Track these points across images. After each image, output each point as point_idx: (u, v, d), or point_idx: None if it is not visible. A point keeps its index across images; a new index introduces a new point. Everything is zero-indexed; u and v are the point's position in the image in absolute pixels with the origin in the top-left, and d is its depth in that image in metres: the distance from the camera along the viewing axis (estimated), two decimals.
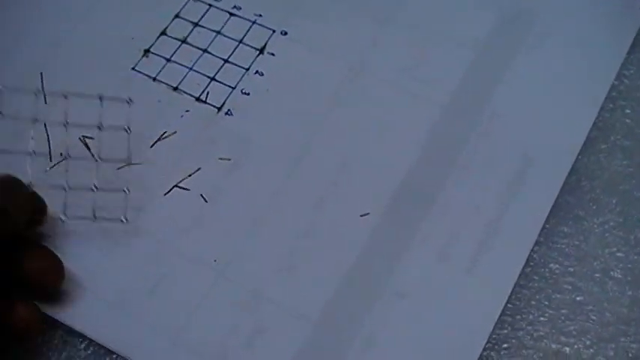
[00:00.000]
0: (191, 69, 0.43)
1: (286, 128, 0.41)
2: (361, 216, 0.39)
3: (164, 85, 0.43)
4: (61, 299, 0.37)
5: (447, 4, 0.45)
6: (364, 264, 0.38)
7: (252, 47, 0.44)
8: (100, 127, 0.39)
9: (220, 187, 0.40)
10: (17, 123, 0.41)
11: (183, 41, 0.44)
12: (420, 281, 0.37)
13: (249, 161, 0.41)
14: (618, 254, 0.38)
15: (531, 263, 0.38)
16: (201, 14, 0.45)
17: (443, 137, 0.41)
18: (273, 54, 0.44)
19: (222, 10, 0.45)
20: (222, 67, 0.43)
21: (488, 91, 0.42)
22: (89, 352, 0.37)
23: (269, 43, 0.44)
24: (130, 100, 0.39)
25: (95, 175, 0.40)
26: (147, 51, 0.44)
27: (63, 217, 0.38)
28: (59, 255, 0.37)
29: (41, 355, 0.37)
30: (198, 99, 0.43)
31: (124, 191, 0.39)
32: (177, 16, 0.45)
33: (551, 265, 0.38)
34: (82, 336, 0.37)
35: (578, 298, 0.37)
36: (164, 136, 0.41)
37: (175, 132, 0.41)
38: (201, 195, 0.40)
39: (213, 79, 0.43)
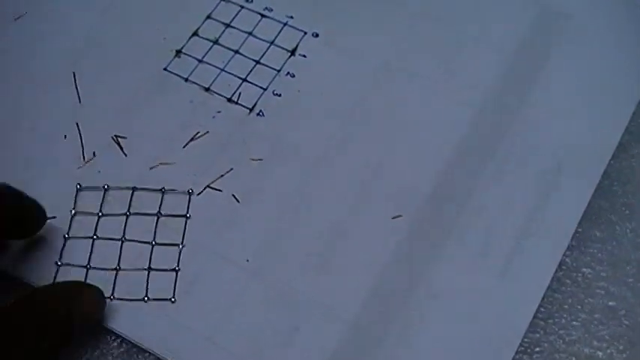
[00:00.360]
0: (223, 70, 0.44)
1: (318, 129, 0.41)
2: (393, 218, 0.39)
3: (196, 85, 0.43)
4: None
5: (481, 4, 0.45)
6: (398, 265, 0.38)
7: (283, 49, 0.44)
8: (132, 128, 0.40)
9: (252, 188, 0.40)
10: (51, 122, 0.42)
11: (215, 42, 0.44)
12: (453, 283, 0.37)
13: (280, 162, 0.41)
14: None
15: (564, 267, 0.38)
16: (233, 15, 0.45)
17: (476, 138, 0.41)
18: (304, 55, 0.44)
19: (253, 11, 0.45)
20: (253, 68, 0.44)
21: (521, 92, 0.42)
22: (122, 349, 0.37)
23: (300, 44, 0.44)
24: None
25: (127, 174, 0.40)
26: (179, 51, 0.44)
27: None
28: None
29: (74, 351, 0.37)
30: (230, 100, 0.43)
31: (161, 191, 0.40)
32: (209, 17, 0.45)
33: (584, 269, 0.38)
34: (113, 333, 0.37)
35: (610, 303, 0.37)
36: (196, 136, 0.42)
37: (207, 132, 0.42)
38: (234, 195, 0.40)
39: (244, 80, 0.43)
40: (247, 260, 0.38)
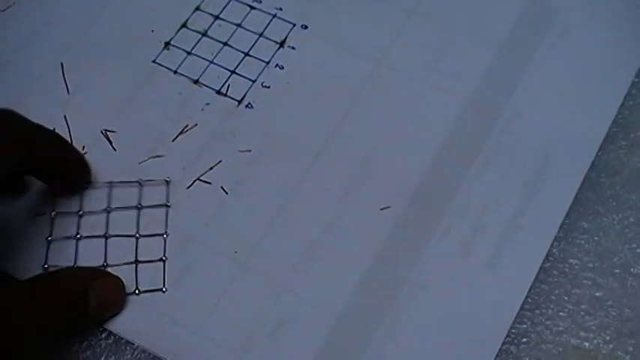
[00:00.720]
0: (212, 62, 0.43)
1: (307, 121, 0.42)
2: (381, 209, 0.39)
3: (185, 77, 0.43)
4: None
5: None
6: (386, 256, 0.38)
7: (272, 41, 0.44)
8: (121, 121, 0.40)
9: (241, 180, 0.40)
10: (39, 114, 0.42)
11: (204, 34, 0.44)
12: (441, 274, 0.37)
13: (269, 154, 0.41)
14: (638, 250, 0.38)
15: (551, 258, 0.38)
16: (222, 7, 0.45)
17: (464, 131, 0.41)
18: (293, 47, 0.44)
19: (242, 3, 0.45)
20: (242, 60, 0.43)
21: (509, 86, 0.42)
22: (110, 341, 0.37)
23: (289, 36, 0.44)
24: None
25: (117, 168, 0.40)
26: (167, 43, 0.44)
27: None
28: None
29: (63, 342, 0.37)
30: (218, 92, 0.43)
31: (140, 183, 0.40)
32: (197, 8, 0.45)
33: (571, 260, 0.38)
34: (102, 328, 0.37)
35: (597, 294, 0.37)
36: (186, 129, 0.42)
37: (196, 125, 0.42)
38: (222, 187, 0.40)
39: (233, 72, 0.43)
40: (235, 252, 0.38)
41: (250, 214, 0.39)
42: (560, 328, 0.37)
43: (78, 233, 0.39)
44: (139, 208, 0.39)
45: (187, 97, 0.43)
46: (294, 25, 0.44)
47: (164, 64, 0.44)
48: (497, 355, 0.36)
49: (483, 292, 0.37)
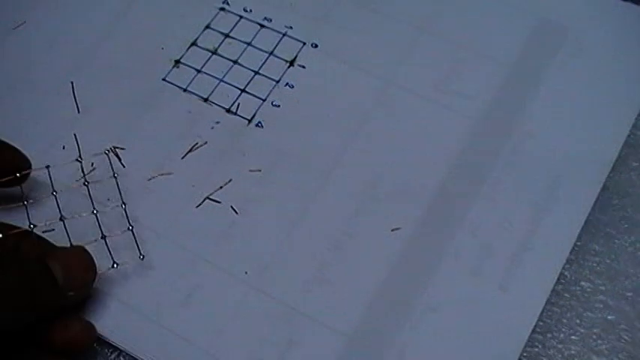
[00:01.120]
0: (222, 80, 0.43)
1: (317, 141, 0.41)
2: (392, 230, 0.39)
3: (195, 95, 0.43)
4: (93, 309, 0.37)
5: (479, 18, 0.45)
6: (396, 277, 0.38)
7: (282, 59, 0.44)
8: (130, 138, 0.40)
9: (251, 199, 0.40)
10: (49, 133, 0.42)
11: (214, 52, 0.44)
12: (452, 296, 0.37)
13: (279, 173, 0.41)
14: None
15: (562, 281, 0.38)
16: (232, 25, 0.45)
17: (475, 151, 0.41)
18: (303, 66, 0.44)
19: (252, 21, 0.45)
20: (252, 78, 0.43)
21: (519, 105, 0.42)
22: None
23: (299, 55, 0.44)
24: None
25: (126, 185, 0.40)
26: (177, 62, 0.44)
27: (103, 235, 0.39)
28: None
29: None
30: (228, 110, 0.43)
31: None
32: (207, 26, 0.45)
33: (583, 283, 0.38)
34: (112, 346, 0.37)
35: (609, 317, 0.37)
36: (195, 147, 0.41)
37: (206, 143, 0.42)
38: (232, 207, 0.40)
39: (243, 90, 0.43)
40: (246, 272, 0.38)
41: (260, 234, 0.39)
42: (572, 352, 0.36)
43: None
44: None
45: (197, 116, 0.42)
46: (304, 43, 0.44)
47: (174, 82, 0.44)
48: None
49: (495, 315, 0.37)
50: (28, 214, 0.38)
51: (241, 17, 0.45)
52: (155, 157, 0.41)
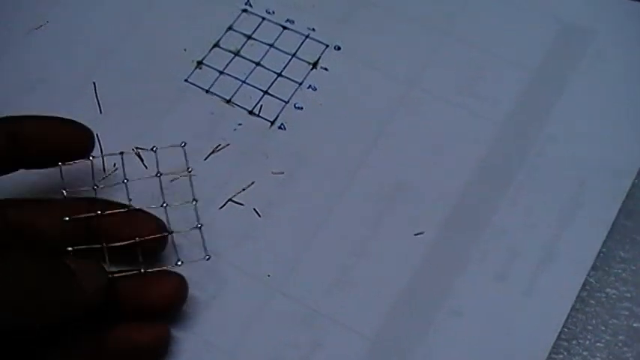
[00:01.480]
0: (244, 82, 0.43)
1: (340, 143, 0.41)
2: (415, 235, 0.39)
3: (217, 97, 0.43)
4: None
5: (504, 22, 0.44)
6: (420, 282, 0.38)
7: (305, 61, 0.44)
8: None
9: (274, 202, 0.40)
10: None
11: (237, 54, 0.44)
12: (476, 301, 0.37)
13: (302, 176, 0.40)
14: None
15: (587, 287, 0.38)
16: (255, 27, 0.45)
17: (499, 156, 0.40)
18: (326, 69, 0.44)
19: (275, 23, 0.45)
20: (275, 80, 0.43)
21: (544, 110, 0.42)
22: None
23: (322, 57, 0.44)
24: None
25: (148, 186, 0.40)
26: (200, 63, 0.44)
27: None
28: None
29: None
30: (251, 112, 0.43)
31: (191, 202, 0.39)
32: (230, 28, 0.45)
33: (608, 289, 0.38)
34: None
35: (635, 325, 0.37)
36: (217, 148, 0.41)
37: (229, 144, 0.41)
38: (255, 209, 0.40)
39: (266, 92, 0.43)
40: (268, 275, 0.38)
41: (283, 236, 0.39)
42: (597, 359, 0.36)
43: None
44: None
45: (219, 117, 0.42)
46: (327, 46, 0.44)
47: (196, 84, 0.43)
48: None
49: (519, 321, 0.36)
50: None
51: (264, 19, 0.45)
52: (178, 159, 0.41)
